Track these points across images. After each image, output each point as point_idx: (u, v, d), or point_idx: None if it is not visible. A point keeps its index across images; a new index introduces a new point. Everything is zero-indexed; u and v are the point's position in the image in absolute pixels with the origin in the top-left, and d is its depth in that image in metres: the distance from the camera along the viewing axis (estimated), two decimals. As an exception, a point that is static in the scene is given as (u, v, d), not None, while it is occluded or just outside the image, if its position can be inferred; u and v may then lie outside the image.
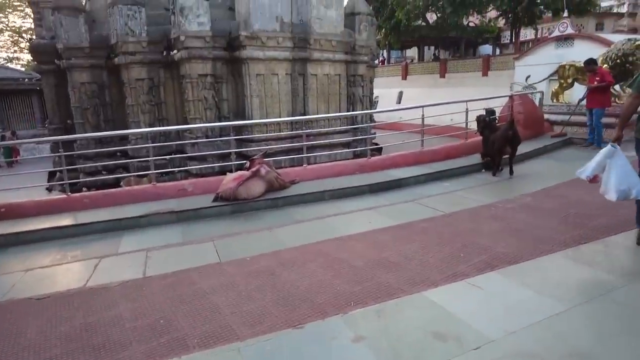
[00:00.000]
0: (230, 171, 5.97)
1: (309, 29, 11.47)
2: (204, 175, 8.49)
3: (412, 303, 2.69)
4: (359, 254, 3.51)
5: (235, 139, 9.92)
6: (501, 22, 27.92)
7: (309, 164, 6.47)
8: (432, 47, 36.83)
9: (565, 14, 16.46)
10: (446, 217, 4.41)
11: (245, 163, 5.64)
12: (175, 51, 10.72)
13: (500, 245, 3.51)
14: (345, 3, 13.74)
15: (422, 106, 7.06)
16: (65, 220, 4.81)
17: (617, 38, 14.14)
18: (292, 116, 11.55)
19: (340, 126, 12.29)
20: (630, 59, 8.11)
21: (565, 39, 15.59)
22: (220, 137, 10.77)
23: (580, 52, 13.53)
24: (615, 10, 33.51)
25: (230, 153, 6.61)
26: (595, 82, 7.34)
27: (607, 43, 13.76)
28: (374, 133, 13.68)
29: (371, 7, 19.93)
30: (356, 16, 13.11)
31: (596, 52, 12.40)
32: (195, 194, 5.53)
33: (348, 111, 13.05)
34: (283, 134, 10.60)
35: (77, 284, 3.37)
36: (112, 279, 3.38)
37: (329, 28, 12.00)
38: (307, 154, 6.53)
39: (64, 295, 3.16)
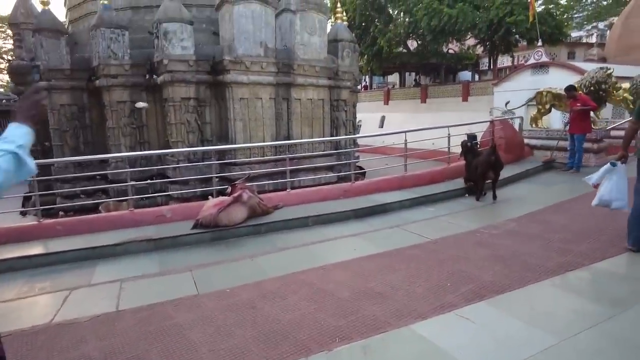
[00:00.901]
0: (212, 195, 5.84)
1: (293, 55, 11.63)
2: (186, 200, 8.31)
3: (400, 337, 2.57)
4: (344, 284, 3.39)
5: (218, 163, 9.84)
6: (479, 50, 28.86)
7: (292, 188, 6.38)
8: (413, 73, 37.73)
9: (540, 42, 17.12)
10: (432, 243, 4.34)
11: (227, 188, 5.51)
12: (158, 75, 10.68)
13: (488, 273, 3.45)
14: (328, 30, 14.04)
15: (405, 131, 7.10)
16: (35, 249, 4.57)
17: (588, 66, 14.75)
18: (276, 139, 11.58)
19: (324, 150, 12.35)
20: (603, 86, 8.39)
21: (540, 67, 16.16)
22: (202, 160, 10.67)
23: (555, 79, 14.03)
24: (584, 41, 35.08)
25: (212, 177, 6.51)
26: (578, 106, 7.54)
27: (579, 71, 14.32)
28: (358, 157, 13.76)
29: (354, 34, 20.41)
30: (339, 43, 13.38)
31: (569, 79, 12.85)
32: (174, 221, 5.35)
33: (332, 135, 13.15)
34: (266, 157, 10.54)
35: (43, 319, 3.14)
36: (82, 313, 3.17)
37: (313, 54, 12.20)
38: (291, 177, 6.44)
39: (26, 332, 2.94)
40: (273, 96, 11.59)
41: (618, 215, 4.89)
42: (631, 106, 9.59)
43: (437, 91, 26.23)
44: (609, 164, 3.86)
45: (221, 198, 5.19)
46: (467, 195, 6.66)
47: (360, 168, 13.39)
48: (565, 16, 24.42)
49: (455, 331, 2.62)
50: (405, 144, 7.07)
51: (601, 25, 34.14)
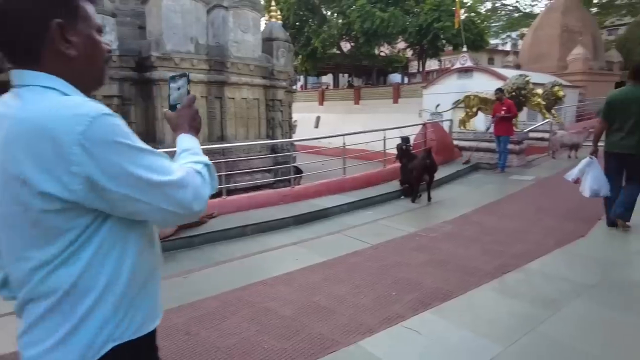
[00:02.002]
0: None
1: (226, 52, 11.22)
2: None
3: (349, 356, 2.45)
4: (287, 299, 3.21)
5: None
6: (409, 53, 30.08)
7: (228, 192, 6.07)
8: (347, 75, 38.44)
9: (465, 48, 18.17)
10: (373, 249, 4.30)
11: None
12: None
13: (430, 279, 3.46)
14: (262, 29, 13.75)
15: (344, 135, 7.08)
16: None
17: (507, 72, 15.90)
18: (210, 140, 11.10)
19: (260, 150, 12.05)
20: (523, 92, 9.03)
21: (465, 71, 17.14)
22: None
23: (479, 83, 14.95)
24: (501, 48, 38.05)
25: None
26: (502, 112, 8.03)
27: (499, 76, 15.40)
28: (295, 157, 13.63)
29: (288, 34, 20.20)
30: (274, 42, 13.15)
31: (491, 83, 13.74)
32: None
33: (268, 135, 12.92)
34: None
35: None
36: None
37: (247, 52, 11.86)
38: (226, 181, 6.12)
39: None
40: (205, 95, 11.10)
41: (544, 215, 5.24)
42: (544, 110, 10.46)
43: (369, 93, 26.91)
44: (587, 158, 4.49)
45: (149, 208, 4.76)
46: (403, 197, 6.79)
47: (298, 169, 13.27)
48: (484, 25, 26.23)
49: (404, 346, 2.55)
50: (344, 147, 7.04)
51: (514, 35, 37.19)
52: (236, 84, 11.64)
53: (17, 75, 0.90)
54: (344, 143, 6.97)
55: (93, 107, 0.84)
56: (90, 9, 0.96)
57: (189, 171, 0.96)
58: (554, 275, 3.47)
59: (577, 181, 4.60)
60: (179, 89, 1.12)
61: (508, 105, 8.14)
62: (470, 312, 2.93)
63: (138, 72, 10.19)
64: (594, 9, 29.00)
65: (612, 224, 4.50)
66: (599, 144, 4.63)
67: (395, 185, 7.08)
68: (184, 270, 4.01)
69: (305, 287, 3.41)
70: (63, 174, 0.81)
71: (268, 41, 13.12)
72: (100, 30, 1.00)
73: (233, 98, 11.79)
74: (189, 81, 1.16)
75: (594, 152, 4.55)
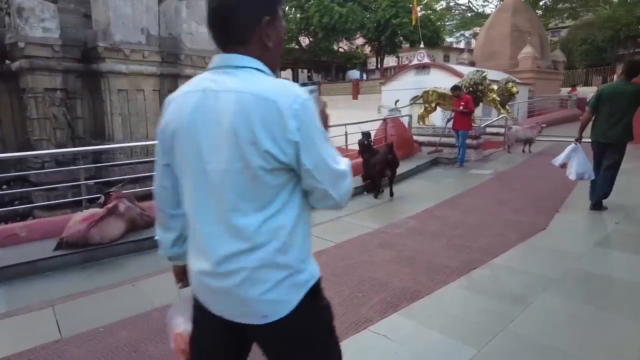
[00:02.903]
0: (87, 204, 4.88)
1: (180, 44, 10.69)
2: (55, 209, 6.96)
3: (315, 368, 2.25)
4: (246, 306, 2.97)
5: (93, 166, 8.56)
6: (367, 50, 30.28)
7: None
8: (306, 70, 38.20)
9: (422, 45, 18.42)
10: (338, 248, 4.13)
11: (100, 198, 4.63)
12: (13, 60, 8.86)
13: (397, 278, 3.32)
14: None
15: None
16: None
17: (462, 68, 16.26)
18: (162, 137, 10.51)
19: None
20: (480, 87, 9.19)
21: (423, 67, 17.39)
22: (74, 161, 9.21)
23: (435, 79, 15.19)
24: (455, 46, 39.22)
25: (86, 182, 5.47)
26: (461, 107, 8.11)
27: (455, 72, 15.72)
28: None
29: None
30: (231, 34, 12.71)
31: (448, 79, 13.99)
32: (32, 240, 4.30)
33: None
34: (151, 158, 9.46)
35: None
36: None
37: (202, 44, 11.36)
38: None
39: None
40: (157, 88, 10.50)
41: (504, 208, 5.28)
42: (499, 106, 10.74)
43: (329, 89, 26.82)
44: (572, 144, 4.84)
45: (92, 210, 4.31)
46: (365, 192, 6.67)
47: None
48: (439, 23, 26.85)
49: (373, 353, 2.38)
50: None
51: (467, 33, 38.45)
52: (191, 77, 11.02)
53: (228, 58, 1.09)
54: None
55: (301, 90, 1.04)
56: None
57: (349, 165, 1.14)
58: (520, 270, 3.44)
59: (563, 166, 4.93)
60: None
61: (466, 100, 8.24)
62: (440, 313, 2.80)
63: (84, 63, 9.47)
64: (539, 12, 30.44)
65: (595, 206, 4.87)
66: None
67: (357, 180, 6.95)
68: (131, 277, 3.64)
69: (266, 292, 3.18)
70: (281, 140, 0.99)
71: (225, 33, 12.67)
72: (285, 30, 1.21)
73: (188, 92, 11.28)
74: (319, 91, 1.31)
75: (579, 139, 4.88)
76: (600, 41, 30.99)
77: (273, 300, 1.08)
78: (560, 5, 32.37)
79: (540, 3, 31.77)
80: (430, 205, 5.62)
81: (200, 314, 1.21)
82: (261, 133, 0.99)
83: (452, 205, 5.68)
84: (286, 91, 1.01)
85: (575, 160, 4.77)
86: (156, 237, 1.37)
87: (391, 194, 6.31)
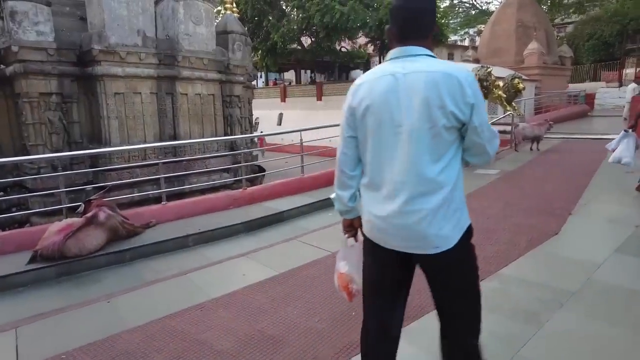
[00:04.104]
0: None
1: (177, 46, 10.47)
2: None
3: (297, 406, 1.94)
4: (226, 328, 2.66)
5: (90, 170, 8.36)
6: (370, 49, 29.90)
7: (179, 197, 5.40)
8: (309, 71, 37.88)
9: (425, 42, 18.01)
10: (332, 257, 3.78)
11: (80, 206, 4.35)
12: (7, 65, 8.70)
13: (396, 293, 3.00)
14: (217, 21, 13.06)
15: (300, 130, 6.56)
16: None
17: (467, 65, 15.90)
18: (161, 139, 10.32)
19: (217, 149, 11.38)
20: (485, 83, 8.81)
21: (426, 66, 16.99)
22: (71, 166, 9.03)
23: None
24: (459, 44, 38.72)
25: (84, 187, 5.23)
26: None
27: (460, 70, 15.30)
28: (257, 156, 12.98)
29: (246, 28, 19.40)
30: (229, 35, 12.48)
31: (452, 77, 13.57)
32: (6, 253, 4.05)
33: (226, 133, 12.26)
34: (150, 161, 9.26)
35: None
36: None
37: (200, 45, 11.14)
38: (179, 183, 5.45)
39: None
40: (155, 91, 10.31)
41: (512, 211, 4.93)
42: (505, 103, 10.35)
43: (332, 89, 26.47)
44: (623, 131, 5.00)
45: (69, 220, 4.03)
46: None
47: (260, 168, 12.66)
48: (443, 20, 26.40)
49: (366, 386, 2.06)
50: (302, 144, 6.51)
51: (471, 31, 37.95)
52: (189, 78, 10.96)
53: (409, 49, 1.46)
54: (301, 139, 6.44)
55: (466, 68, 1.52)
56: None
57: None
58: (532, 282, 3.10)
59: (614, 150, 5.18)
60: None
61: None
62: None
63: (80, 67, 9.29)
64: (545, 7, 29.92)
65: None
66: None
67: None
68: (108, 293, 3.35)
69: (250, 311, 2.86)
70: (461, 103, 1.38)
71: (223, 34, 12.47)
72: None
73: (186, 94, 11.10)
74: None
75: (632, 127, 5.06)
76: (608, 36, 30.35)
77: (445, 235, 1.43)
78: (566, 1, 31.82)
79: (546, -2, 31.25)
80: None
81: (373, 251, 1.58)
82: (447, 99, 1.36)
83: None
84: (461, 69, 1.42)
85: (621, 145, 4.99)
86: (331, 196, 1.73)
87: (392, 197, 6.00)
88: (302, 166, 6.47)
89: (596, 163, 7.22)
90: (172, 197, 7.43)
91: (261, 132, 16.69)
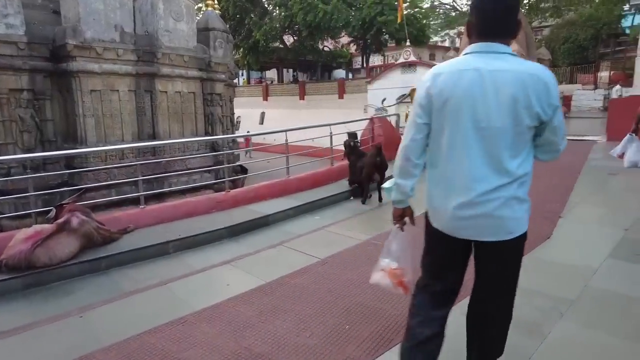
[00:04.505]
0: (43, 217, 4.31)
1: (157, 42, 10.16)
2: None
3: None
4: (210, 345, 2.46)
5: (65, 172, 7.97)
6: (353, 48, 29.86)
7: (160, 198, 5.15)
8: (291, 70, 37.60)
9: (408, 43, 18.06)
10: (321, 265, 3.64)
11: (51, 211, 4.06)
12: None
13: (389, 304, 2.86)
14: (197, 18, 12.76)
15: (285, 130, 6.36)
16: None
17: (450, 67, 15.95)
18: (140, 138, 9.99)
19: (198, 149, 11.10)
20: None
21: (409, 65, 17.03)
22: (44, 167, 8.62)
23: (422, 77, 14.83)
24: (440, 44, 39.08)
25: (60, 189, 4.90)
26: None
27: (443, 71, 15.37)
28: (238, 155, 12.70)
29: (228, 26, 19.03)
30: (210, 32, 12.20)
31: (436, 78, 13.60)
32: (-32, 262, 3.73)
33: (206, 132, 11.98)
34: (127, 162, 8.93)
35: None
36: None
37: (180, 42, 10.84)
38: (158, 184, 5.19)
39: None
40: (133, 88, 9.98)
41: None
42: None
43: (314, 88, 26.32)
44: (627, 136, 4.95)
45: (38, 227, 3.75)
46: (352, 198, 6.22)
47: (243, 168, 12.39)
48: (425, 21, 26.56)
49: (364, 410, 1.91)
50: (287, 145, 6.32)
51: (452, 32, 38.35)
52: (169, 76, 10.66)
53: (493, 46, 1.49)
54: (286, 140, 6.25)
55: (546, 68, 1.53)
56: None
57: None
58: (529, 290, 2.99)
59: (621, 156, 5.09)
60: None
61: None
62: (443, 350, 2.35)
63: (53, 62, 8.89)
64: (524, 10, 30.44)
65: None
66: None
67: (344, 185, 6.49)
68: (80, 306, 3.11)
69: (235, 326, 2.67)
70: (546, 104, 1.45)
71: (204, 31, 12.19)
72: None
73: (165, 92, 10.78)
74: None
75: (635, 131, 5.04)
76: (583, 40, 31.08)
77: (518, 220, 1.55)
78: (542, 5, 32.46)
79: (525, 1, 31.80)
80: (422, 211, 5.17)
81: (440, 240, 1.68)
82: (534, 99, 1.41)
83: (446, 211, 5.25)
84: (545, 70, 1.46)
85: (629, 150, 4.97)
86: (385, 185, 2.01)
87: (380, 200, 5.87)
88: (288, 167, 6.28)
89: (579, 164, 7.26)
90: (151, 198, 7.15)
91: (248, 131, 16.37)
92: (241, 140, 18.53)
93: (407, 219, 1.86)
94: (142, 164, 9.28)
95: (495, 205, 1.50)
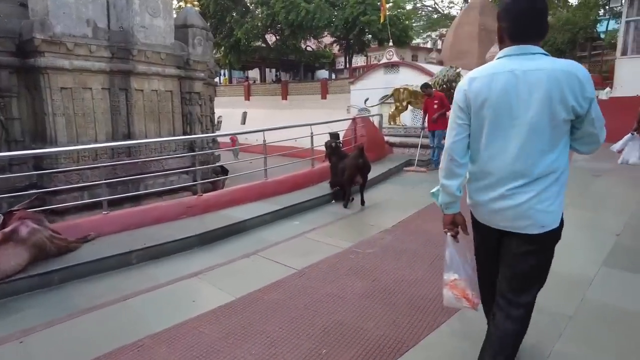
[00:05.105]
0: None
1: (132, 38, 9.79)
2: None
3: None
4: (167, 376, 2.15)
5: (35, 172, 7.56)
6: (336, 49, 29.66)
7: (134, 201, 4.77)
8: (274, 70, 37.20)
9: (391, 42, 17.93)
10: (298, 277, 3.34)
11: (-2, 219, 3.64)
12: None
13: (372, 322, 2.58)
14: (176, 14, 12.39)
15: (263, 130, 6.04)
16: None
17: (432, 67, 15.89)
18: (114, 138, 9.59)
19: (176, 149, 10.71)
20: (454, 84, 8.63)
21: (392, 66, 16.89)
22: (10, 167, 8.17)
23: (405, 78, 14.70)
24: (422, 46, 39.28)
25: (26, 190, 4.47)
26: (435, 106, 7.52)
27: (425, 71, 15.31)
28: (218, 155, 12.29)
29: (209, 24, 18.57)
30: (189, 29, 11.84)
31: (418, 78, 13.49)
32: None
33: (185, 131, 11.59)
34: (102, 162, 8.51)
35: None
36: None
37: (157, 39, 10.46)
38: (133, 186, 4.80)
39: None
40: (107, 86, 9.60)
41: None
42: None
43: (297, 88, 26.01)
44: (630, 134, 5.12)
45: (-21, 237, 3.35)
46: (333, 201, 5.94)
47: (224, 169, 11.99)
48: (407, 22, 26.53)
49: None
50: (265, 146, 6.00)
51: (434, 34, 38.58)
52: (145, 74, 10.30)
53: (527, 48, 1.58)
54: (264, 140, 5.93)
55: (578, 64, 1.59)
56: None
57: None
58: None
59: (620, 152, 5.32)
60: None
61: (440, 97, 7.64)
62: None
63: (20, 57, 8.45)
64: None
65: None
66: None
67: (325, 187, 6.21)
68: (23, 328, 2.73)
69: (199, 350, 2.35)
70: (580, 98, 1.51)
71: (183, 28, 11.85)
72: None
73: (141, 90, 10.41)
74: None
75: (637, 129, 5.22)
76: (560, 43, 31.61)
77: (552, 214, 1.61)
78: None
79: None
80: (407, 216, 4.94)
81: (482, 232, 1.82)
82: (568, 94, 1.51)
83: (431, 214, 5.01)
84: (578, 66, 1.55)
85: (627, 147, 5.21)
86: (433, 191, 1.92)
87: (362, 203, 5.60)
88: (266, 169, 5.95)
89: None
90: (126, 201, 6.74)
91: (234, 132, 15.97)
92: (227, 140, 18.11)
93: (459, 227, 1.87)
94: (116, 164, 8.94)
95: (528, 198, 1.58)
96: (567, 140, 1.60)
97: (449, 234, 1.87)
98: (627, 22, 11.39)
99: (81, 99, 9.14)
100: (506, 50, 1.62)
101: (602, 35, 30.96)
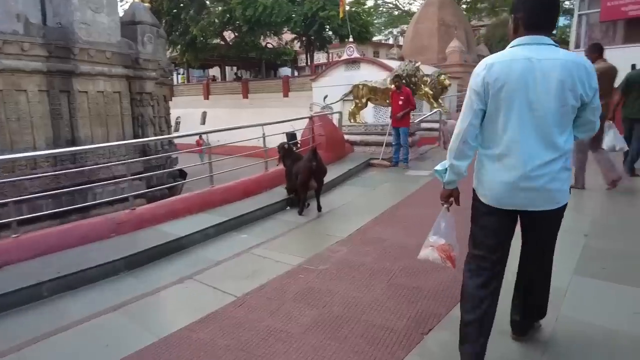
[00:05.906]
0: None
1: (73, 36, 9.04)
2: None
3: None
4: None
5: None
6: (297, 46, 29.17)
7: (84, 212, 4.07)
8: (235, 68, 36.29)
9: (351, 39, 17.65)
10: (236, 306, 2.85)
11: None
12: None
13: (319, 364, 2.16)
14: (122, 11, 11.63)
15: (207, 132, 5.50)
16: None
17: (392, 63, 15.72)
18: (56, 144, 8.79)
19: (126, 154, 9.94)
20: (413, 79, 8.39)
21: (353, 62, 16.63)
22: None
23: (366, 74, 14.45)
24: (384, 42, 39.45)
25: None
26: (400, 102, 7.22)
27: (386, 67, 15.12)
28: (175, 158, 11.54)
29: (164, 21, 17.67)
30: (138, 26, 11.11)
31: (378, 74, 13.25)
32: None
33: (136, 135, 10.85)
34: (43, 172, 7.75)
35: None
36: None
37: (101, 36, 9.71)
38: (78, 196, 4.15)
39: None
40: (45, 88, 8.83)
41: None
42: (432, 100, 10.07)
43: (258, 86, 25.36)
44: (606, 122, 5.15)
45: None
46: (288, 207, 5.49)
47: (182, 172, 11.20)
48: (368, 19, 26.40)
49: None
50: (209, 147, 5.45)
51: (395, 31, 38.81)
52: (89, 74, 9.56)
53: (540, 39, 1.72)
54: (208, 142, 5.39)
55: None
56: None
57: None
58: (494, 329, 2.41)
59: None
60: None
61: (407, 94, 7.34)
62: None
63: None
64: (463, 7, 31.27)
65: (630, 172, 5.68)
66: None
67: (280, 192, 5.75)
68: None
69: None
70: (587, 87, 1.69)
71: (130, 25, 11.12)
72: None
73: (86, 92, 9.67)
74: None
75: (612, 118, 5.32)
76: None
77: (565, 190, 1.80)
78: (479, 5, 33.56)
79: (463, 0, 32.67)
80: (365, 222, 4.55)
81: (487, 214, 1.91)
82: (578, 83, 1.67)
83: (391, 219, 4.66)
84: (585, 59, 1.74)
85: (608, 135, 5.26)
86: (438, 168, 2.05)
87: (319, 209, 5.18)
88: (211, 175, 5.40)
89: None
90: (73, 212, 6.00)
91: (186, 133, 15.15)
92: (191, 142, 17.20)
93: (452, 199, 2.08)
94: (55, 174, 8.12)
95: (547, 179, 1.73)
96: (571, 128, 1.78)
97: (445, 205, 2.08)
98: (580, 16, 11.55)
99: (14, 102, 8.36)
100: (520, 39, 1.75)
101: (554, 32, 31.96)
